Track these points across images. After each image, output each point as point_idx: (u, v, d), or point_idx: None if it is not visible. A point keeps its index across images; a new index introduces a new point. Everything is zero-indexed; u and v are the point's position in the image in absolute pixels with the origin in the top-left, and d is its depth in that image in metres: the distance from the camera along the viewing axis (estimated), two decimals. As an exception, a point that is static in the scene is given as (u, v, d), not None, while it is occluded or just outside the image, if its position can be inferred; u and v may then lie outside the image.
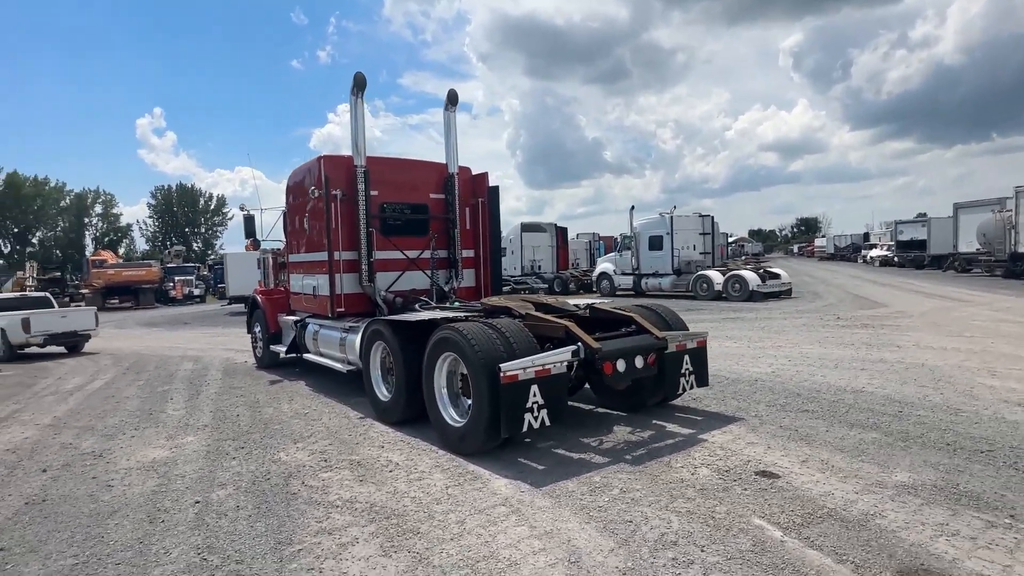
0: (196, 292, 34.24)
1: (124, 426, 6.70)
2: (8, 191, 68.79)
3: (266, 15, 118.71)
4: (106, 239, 78.25)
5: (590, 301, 6.95)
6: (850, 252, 56.87)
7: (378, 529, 3.70)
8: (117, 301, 33.70)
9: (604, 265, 26.23)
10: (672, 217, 23.02)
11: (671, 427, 5.68)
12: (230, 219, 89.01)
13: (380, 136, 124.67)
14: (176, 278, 34.63)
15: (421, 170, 8.83)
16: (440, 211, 8.79)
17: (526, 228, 30.52)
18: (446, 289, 8.66)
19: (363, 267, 7.93)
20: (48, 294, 16.30)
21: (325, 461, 5.10)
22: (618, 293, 25.08)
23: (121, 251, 76.20)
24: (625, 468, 4.58)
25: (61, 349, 14.67)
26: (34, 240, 71.35)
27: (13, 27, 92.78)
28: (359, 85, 7.76)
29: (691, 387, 5.91)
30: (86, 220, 77.42)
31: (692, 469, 4.49)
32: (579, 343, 5.13)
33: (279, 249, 10.83)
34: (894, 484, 4.03)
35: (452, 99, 8.62)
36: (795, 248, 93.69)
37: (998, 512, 3.57)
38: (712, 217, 24.11)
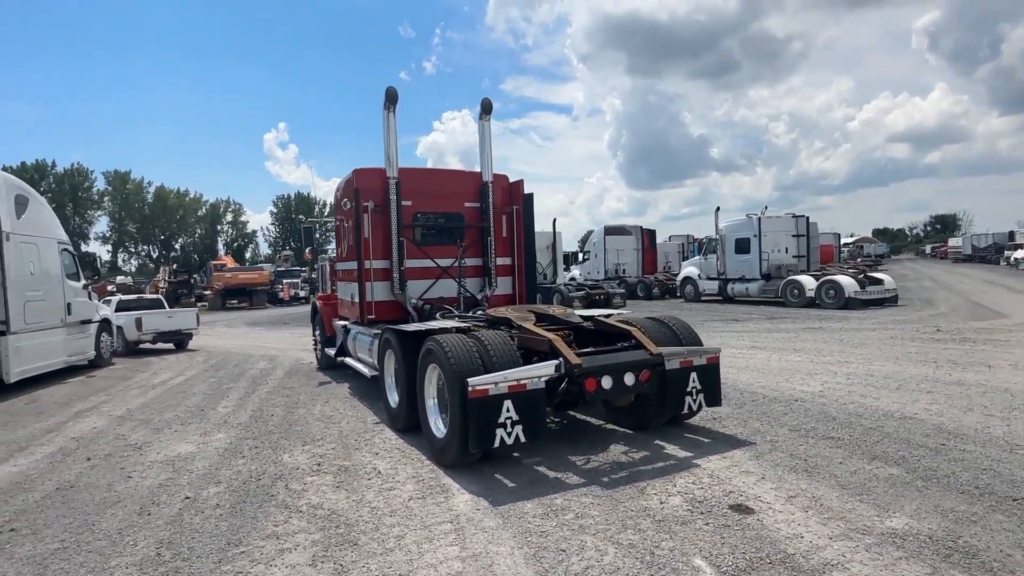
0: (301, 294, 36.86)
1: (174, 421, 7.37)
2: (157, 203, 77.85)
3: (377, 31, 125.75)
4: (235, 244, 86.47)
5: (600, 312, 6.71)
6: (991, 253, 50.55)
7: (322, 538, 3.81)
8: (236, 302, 37.11)
9: (688, 269, 25.18)
10: (760, 218, 21.64)
11: (670, 448, 5.36)
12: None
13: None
14: (284, 281, 37.53)
15: (456, 179, 8.97)
16: (475, 220, 8.88)
17: (610, 231, 30.00)
18: (479, 297, 8.73)
19: (395, 275, 8.18)
20: (161, 296, 18.30)
21: (318, 465, 5.33)
22: (703, 298, 24.02)
23: (248, 255, 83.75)
24: (595, 491, 4.38)
25: (170, 345, 16.39)
26: (176, 246, 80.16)
27: (162, 62, 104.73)
28: (390, 99, 8.04)
29: (699, 407, 5.55)
30: (219, 227, 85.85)
31: (664, 497, 4.22)
32: (561, 358, 4.98)
33: (334, 256, 11.44)
34: (882, 531, 3.55)
35: (486, 108, 8.67)
36: (927, 248, 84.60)
37: None
38: (807, 218, 22.37)
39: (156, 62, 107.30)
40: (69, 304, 12.21)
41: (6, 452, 6.29)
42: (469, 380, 4.59)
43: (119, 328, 15.56)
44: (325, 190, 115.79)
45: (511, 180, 9.28)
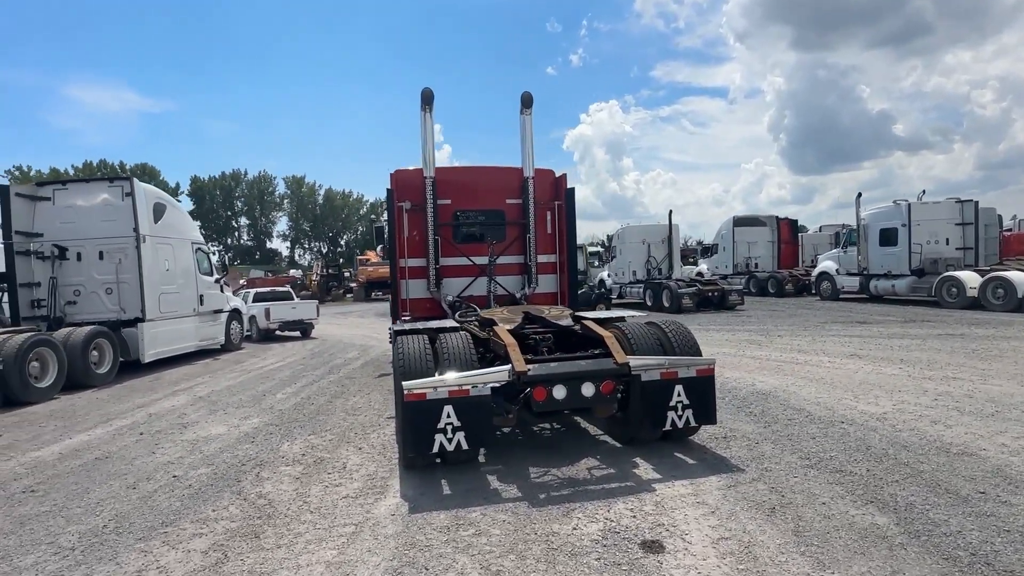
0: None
1: (233, 404, 8.23)
2: (326, 203, 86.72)
3: (525, 28, 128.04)
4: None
5: (600, 315, 6.24)
6: None
7: (237, 527, 4.03)
8: (381, 293, 40.29)
9: (825, 264, 22.53)
10: (911, 205, 18.69)
11: (642, 468, 4.86)
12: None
13: (630, 131, 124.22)
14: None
15: (498, 176, 8.91)
16: (517, 216, 8.76)
17: (739, 222, 27.86)
18: (517, 296, 8.60)
19: (430, 273, 8.35)
20: (289, 288, 20.43)
21: (303, 456, 5.63)
22: (842, 296, 21.38)
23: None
24: (520, 508, 4.13)
25: (297, 333, 18.28)
26: (342, 241, 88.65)
27: (329, 76, 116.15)
28: (426, 100, 8.19)
29: (686, 423, 4.96)
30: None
31: (585, 523, 3.85)
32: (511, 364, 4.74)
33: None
34: (793, 594, 2.92)
35: (527, 102, 8.49)
36: None
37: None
38: (976, 203, 18.85)
39: (325, 77, 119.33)
40: (201, 296, 14.13)
41: (94, 422, 7.47)
42: (404, 383, 4.55)
43: (253, 317, 17.69)
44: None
45: (557, 175, 9.00)
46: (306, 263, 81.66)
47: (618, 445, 5.52)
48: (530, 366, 4.71)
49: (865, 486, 4.24)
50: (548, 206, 8.86)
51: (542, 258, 8.83)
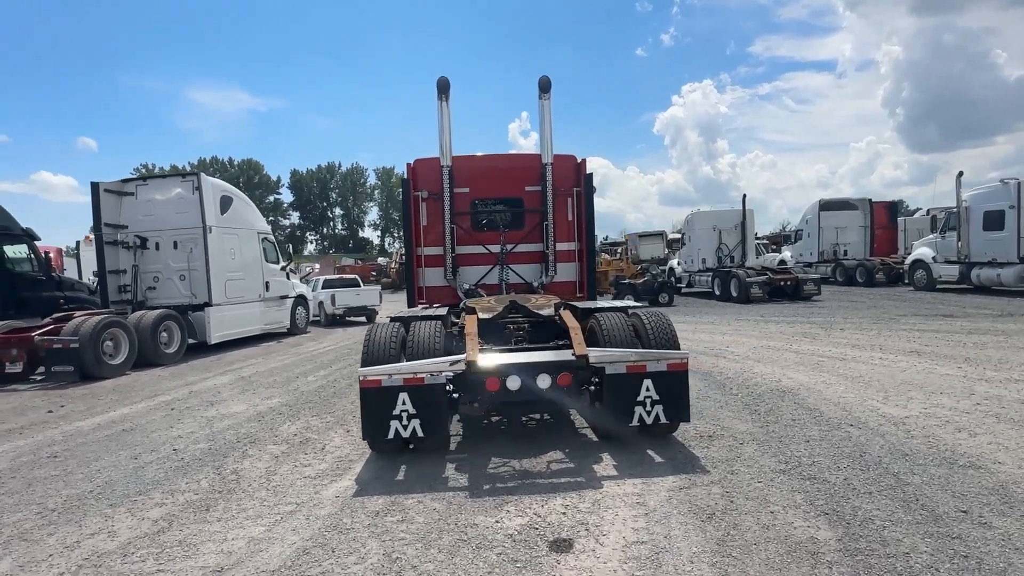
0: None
1: (266, 384, 8.77)
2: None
3: (613, 10, 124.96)
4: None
5: (585, 304, 6.01)
6: None
7: (196, 500, 4.32)
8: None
9: (920, 251, 20.48)
10: (1020, 184, 16.57)
11: (605, 463, 4.70)
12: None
13: (726, 111, 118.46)
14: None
15: (517, 163, 8.83)
16: (536, 204, 8.63)
17: (826, 206, 25.95)
18: (535, 285, 8.50)
19: (447, 261, 8.43)
20: (356, 276, 21.33)
21: (294, 436, 5.92)
22: (939, 287, 19.42)
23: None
24: (456, 498, 4.13)
25: (363, 318, 19.12)
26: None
27: (417, 68, 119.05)
28: (442, 89, 8.21)
29: (656, 420, 4.72)
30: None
31: (510, 517, 3.78)
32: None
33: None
34: (675, 606, 2.72)
35: (544, 87, 8.30)
36: None
37: None
38: (1104, 180, 16.37)
39: (413, 68, 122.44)
40: (267, 283, 15.10)
41: (142, 397, 8.24)
42: (360, 369, 4.66)
43: (321, 303, 18.69)
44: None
45: (579, 160, 8.77)
46: (395, 250, 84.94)
47: (595, 439, 5.36)
48: (483, 356, 4.66)
49: (830, 497, 3.86)
50: (569, 193, 8.66)
51: (561, 246, 8.64)
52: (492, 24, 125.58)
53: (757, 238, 54.29)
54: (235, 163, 76.05)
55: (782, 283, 18.92)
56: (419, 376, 4.61)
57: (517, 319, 5.75)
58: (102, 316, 10.42)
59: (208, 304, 12.79)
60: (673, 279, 24.85)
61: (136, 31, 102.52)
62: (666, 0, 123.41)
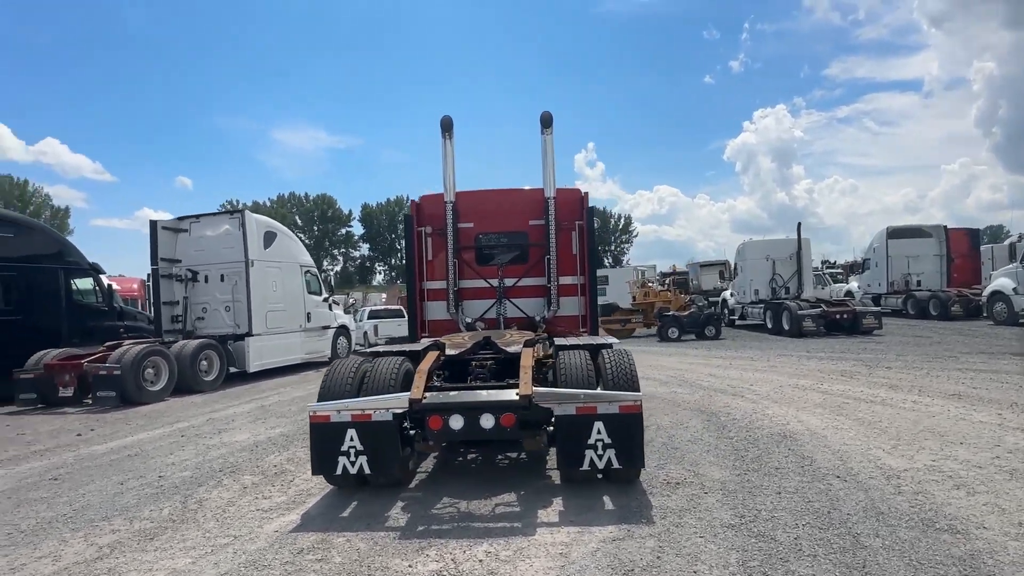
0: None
1: (279, 414, 9.09)
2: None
3: (681, 39, 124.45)
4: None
5: (567, 341, 5.87)
6: None
7: (147, 529, 4.50)
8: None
9: (999, 281, 18.76)
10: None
11: (548, 510, 4.52)
12: (635, 236, 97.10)
13: (801, 136, 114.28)
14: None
15: (521, 198, 8.83)
16: (539, 238, 8.61)
17: (894, 234, 24.42)
18: (537, 319, 8.42)
19: (449, 295, 8.52)
20: (401, 307, 21.83)
21: (273, 467, 6.08)
22: (1021, 320, 17.70)
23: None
24: (385, 539, 4.08)
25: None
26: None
27: (483, 99, 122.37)
28: (445, 128, 8.43)
29: (608, 465, 4.52)
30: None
31: (426, 562, 3.70)
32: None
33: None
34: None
35: (546, 122, 8.35)
36: None
37: None
38: None
39: (476, 102, 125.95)
40: (308, 314, 15.75)
41: (164, 423, 8.72)
42: (310, 405, 4.75)
43: (365, 332, 19.28)
44: (630, 203, 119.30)
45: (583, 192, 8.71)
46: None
47: (558, 482, 5.18)
48: (428, 394, 4.65)
49: (768, 557, 3.54)
50: (573, 227, 8.59)
51: (565, 280, 8.54)
52: (552, 58, 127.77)
53: (830, 267, 51.52)
54: (310, 198, 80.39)
55: (838, 316, 17.80)
56: (366, 413, 4.64)
57: (485, 356, 5.70)
58: (144, 345, 11.18)
59: (249, 334, 13.46)
60: (726, 311, 23.97)
61: (230, 78, 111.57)
62: (735, 26, 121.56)
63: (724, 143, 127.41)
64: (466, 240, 8.68)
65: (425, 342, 6.43)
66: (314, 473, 4.81)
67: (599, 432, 4.53)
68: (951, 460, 5.25)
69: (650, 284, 24.79)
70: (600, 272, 35.43)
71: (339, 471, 4.65)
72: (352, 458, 4.64)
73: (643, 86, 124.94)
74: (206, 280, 14.00)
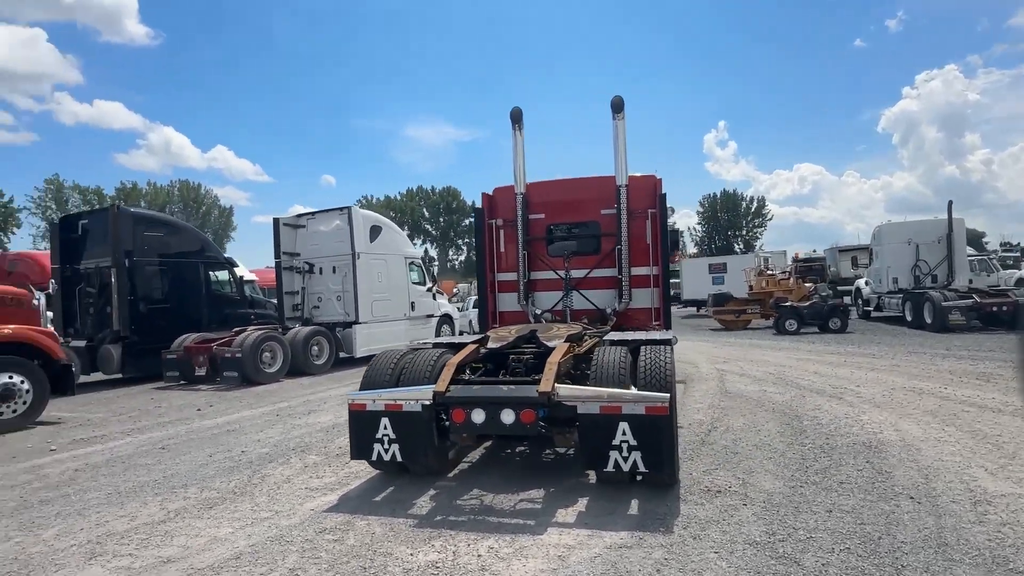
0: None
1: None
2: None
3: (823, 1, 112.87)
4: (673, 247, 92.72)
5: (615, 335, 5.64)
6: None
7: (211, 498, 5.03)
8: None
9: None
10: None
11: (569, 510, 4.40)
12: (769, 219, 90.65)
13: (977, 99, 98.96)
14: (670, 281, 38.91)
15: (592, 187, 8.61)
16: (611, 227, 8.36)
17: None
18: (608, 311, 8.21)
19: (520, 287, 8.55)
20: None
21: (339, 448, 6.50)
22: None
23: (677, 256, 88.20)
24: (403, 525, 4.22)
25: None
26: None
27: (606, 81, 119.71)
28: (515, 119, 8.45)
29: (633, 468, 4.33)
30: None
31: (428, 553, 3.78)
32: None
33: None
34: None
35: (617, 107, 8.05)
36: None
37: None
38: None
39: (603, 82, 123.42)
40: (413, 303, 16.56)
41: (269, 402, 9.66)
42: (350, 394, 5.03)
43: (471, 320, 19.86)
44: (766, 184, 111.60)
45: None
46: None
47: (592, 481, 5.03)
48: (454, 387, 4.71)
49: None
50: (646, 215, 8.22)
51: (637, 271, 8.21)
52: (675, 33, 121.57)
53: (1009, 249, 44.38)
54: (436, 191, 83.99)
55: (994, 308, 15.38)
56: (398, 403, 4.82)
57: (523, 351, 5.65)
58: (263, 331, 12.43)
59: (356, 322, 14.45)
60: (860, 301, 21.70)
61: (365, 82, 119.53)
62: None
63: (878, 113, 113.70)
64: (537, 231, 8.65)
65: (472, 336, 6.51)
66: (353, 457, 5.08)
67: (624, 433, 4.33)
68: (1071, 487, 4.37)
69: (769, 271, 23.02)
70: (716, 259, 33.61)
71: (375, 457, 4.88)
72: (386, 445, 4.85)
73: (780, 56, 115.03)
74: (320, 272, 15.21)
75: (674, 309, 32.46)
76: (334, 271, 15.06)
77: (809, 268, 41.23)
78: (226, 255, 15.77)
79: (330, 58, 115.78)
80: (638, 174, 8.36)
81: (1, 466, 6.32)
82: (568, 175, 8.84)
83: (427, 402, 4.72)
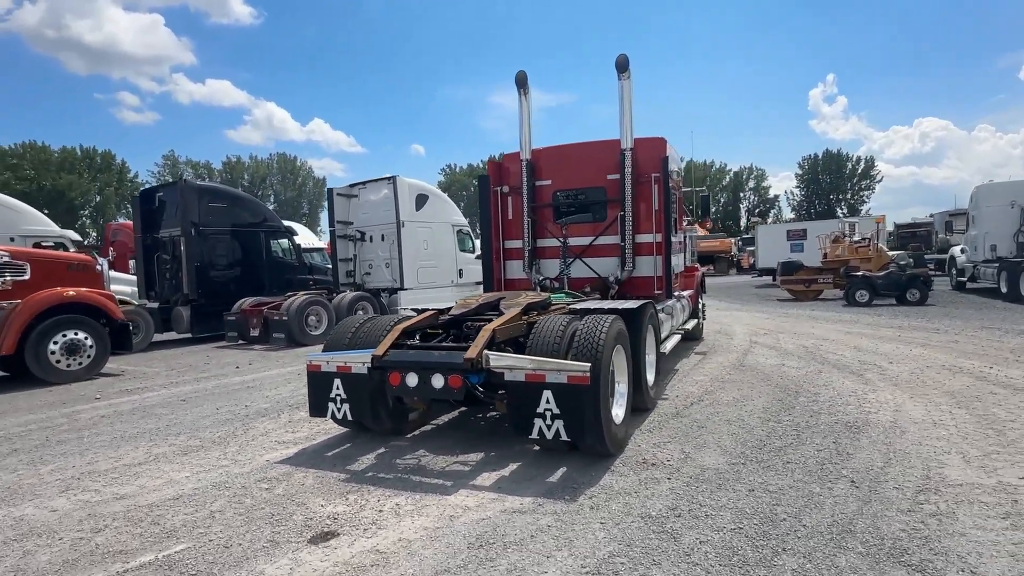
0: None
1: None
2: (687, 176, 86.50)
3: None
4: (756, 211, 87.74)
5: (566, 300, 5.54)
6: None
7: (192, 445, 5.55)
8: (710, 269, 39.18)
9: None
10: None
11: (494, 474, 4.47)
12: (878, 182, 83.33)
13: None
14: (747, 248, 36.97)
15: (598, 151, 8.35)
16: (617, 193, 8.12)
17: None
18: (610, 280, 8.04)
19: (525, 254, 8.54)
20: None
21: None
22: None
23: (770, 220, 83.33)
24: (331, 480, 4.48)
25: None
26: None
27: (691, 39, 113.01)
28: (520, 83, 8.35)
29: (556, 436, 4.33)
30: (740, 195, 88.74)
31: (336, 506, 4.02)
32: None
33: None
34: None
35: (621, 66, 7.75)
36: None
37: None
38: None
39: (696, 42, 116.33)
40: (460, 270, 16.89)
41: (301, 363, 10.31)
42: (309, 355, 5.32)
43: (523, 288, 20.01)
44: (880, 142, 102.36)
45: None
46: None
47: (537, 448, 5.06)
48: (392, 351, 4.87)
49: (637, 560, 3.13)
50: (651, 180, 7.89)
51: (642, 238, 7.93)
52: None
53: None
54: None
55: None
56: (347, 365, 5.06)
57: (479, 318, 5.69)
58: (307, 296, 13.22)
59: (401, 288, 14.99)
60: (954, 271, 19.73)
61: (452, 51, 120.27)
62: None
63: (1020, 58, 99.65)
64: (544, 198, 8.56)
65: (441, 305, 6.60)
66: (311, 415, 5.39)
67: (548, 401, 4.33)
68: (1048, 481, 3.89)
69: (843, 237, 21.29)
70: (795, 225, 31.45)
71: (329, 415, 5.17)
72: (338, 404, 5.12)
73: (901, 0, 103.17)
74: (371, 239, 15.81)
75: (748, 279, 31.00)
76: (383, 239, 15.60)
77: (913, 235, 37.75)
78: (287, 223, 16.73)
79: (418, 29, 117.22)
80: (644, 136, 8.01)
81: (50, 409, 7.27)
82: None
83: (369, 365, 4.92)
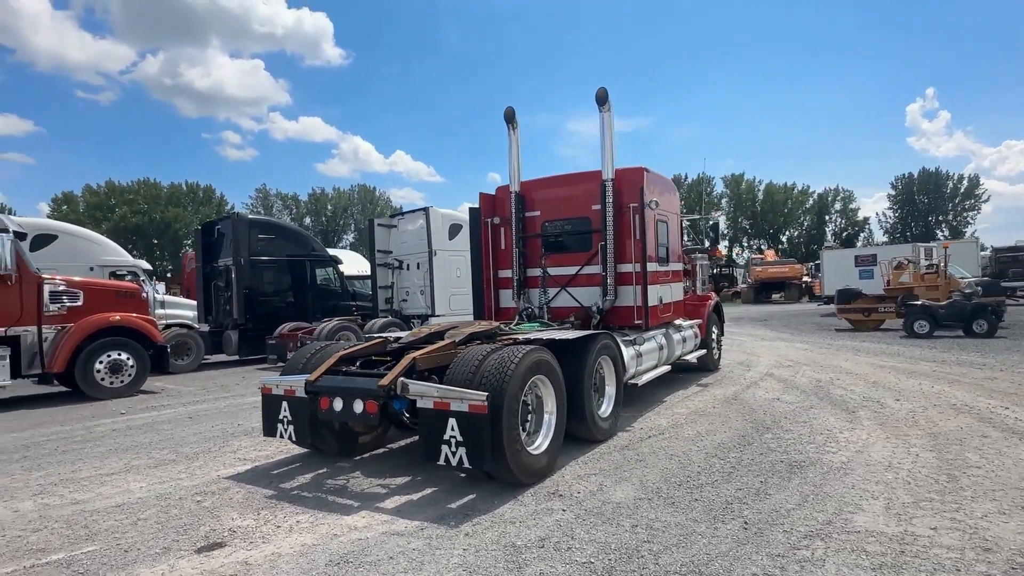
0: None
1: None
2: (766, 199, 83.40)
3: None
4: (844, 234, 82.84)
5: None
6: None
7: (167, 459, 6.08)
8: (779, 296, 37.44)
9: None
10: None
11: (404, 498, 4.64)
12: (984, 202, 76.85)
13: None
14: (817, 274, 35.02)
15: (584, 182, 8.44)
16: (600, 223, 8.16)
17: None
18: (592, 309, 8.05)
19: (514, 284, 8.71)
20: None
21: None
22: None
23: (859, 244, 78.40)
24: (257, 497, 4.81)
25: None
26: (783, 239, 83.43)
27: (772, 65, 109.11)
28: (508, 119, 8.66)
29: (459, 463, 4.46)
30: (826, 217, 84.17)
31: (245, 519, 4.33)
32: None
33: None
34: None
35: (601, 99, 7.88)
36: None
37: None
38: None
39: (785, 56, 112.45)
40: (495, 297, 17.20)
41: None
42: (262, 378, 5.74)
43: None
44: (991, 159, 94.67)
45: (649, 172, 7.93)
46: (743, 260, 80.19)
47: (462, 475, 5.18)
48: (325, 377, 5.17)
49: (473, 585, 3.20)
50: (635, 210, 7.87)
51: (624, 267, 7.90)
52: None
53: None
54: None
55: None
56: (292, 389, 5.42)
57: (422, 347, 5.88)
58: (339, 321, 13.94)
59: (432, 315, 15.48)
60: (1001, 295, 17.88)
61: (527, 80, 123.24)
62: None
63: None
64: (533, 229, 8.72)
65: (398, 333, 6.86)
66: (264, 435, 5.76)
67: (453, 429, 4.47)
68: (975, 531, 3.59)
69: (907, 263, 19.79)
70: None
71: (278, 435, 5.53)
72: (285, 426, 5.47)
73: (1004, 5, 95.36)
74: (408, 268, 16.48)
75: (812, 307, 29.22)
76: (418, 267, 16.22)
77: (1015, 259, 34.49)
78: (331, 253, 17.76)
79: (494, 58, 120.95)
80: (626, 167, 8.03)
81: (76, 423, 8.13)
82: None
83: (303, 390, 5.25)
